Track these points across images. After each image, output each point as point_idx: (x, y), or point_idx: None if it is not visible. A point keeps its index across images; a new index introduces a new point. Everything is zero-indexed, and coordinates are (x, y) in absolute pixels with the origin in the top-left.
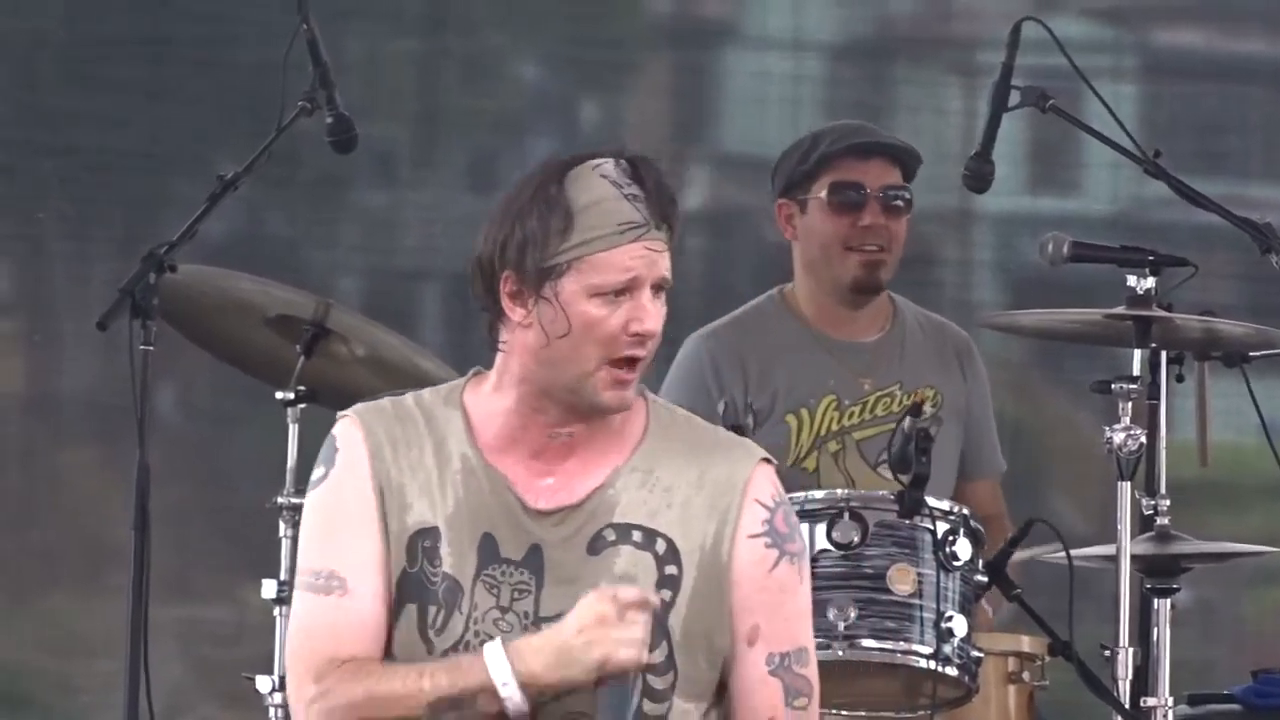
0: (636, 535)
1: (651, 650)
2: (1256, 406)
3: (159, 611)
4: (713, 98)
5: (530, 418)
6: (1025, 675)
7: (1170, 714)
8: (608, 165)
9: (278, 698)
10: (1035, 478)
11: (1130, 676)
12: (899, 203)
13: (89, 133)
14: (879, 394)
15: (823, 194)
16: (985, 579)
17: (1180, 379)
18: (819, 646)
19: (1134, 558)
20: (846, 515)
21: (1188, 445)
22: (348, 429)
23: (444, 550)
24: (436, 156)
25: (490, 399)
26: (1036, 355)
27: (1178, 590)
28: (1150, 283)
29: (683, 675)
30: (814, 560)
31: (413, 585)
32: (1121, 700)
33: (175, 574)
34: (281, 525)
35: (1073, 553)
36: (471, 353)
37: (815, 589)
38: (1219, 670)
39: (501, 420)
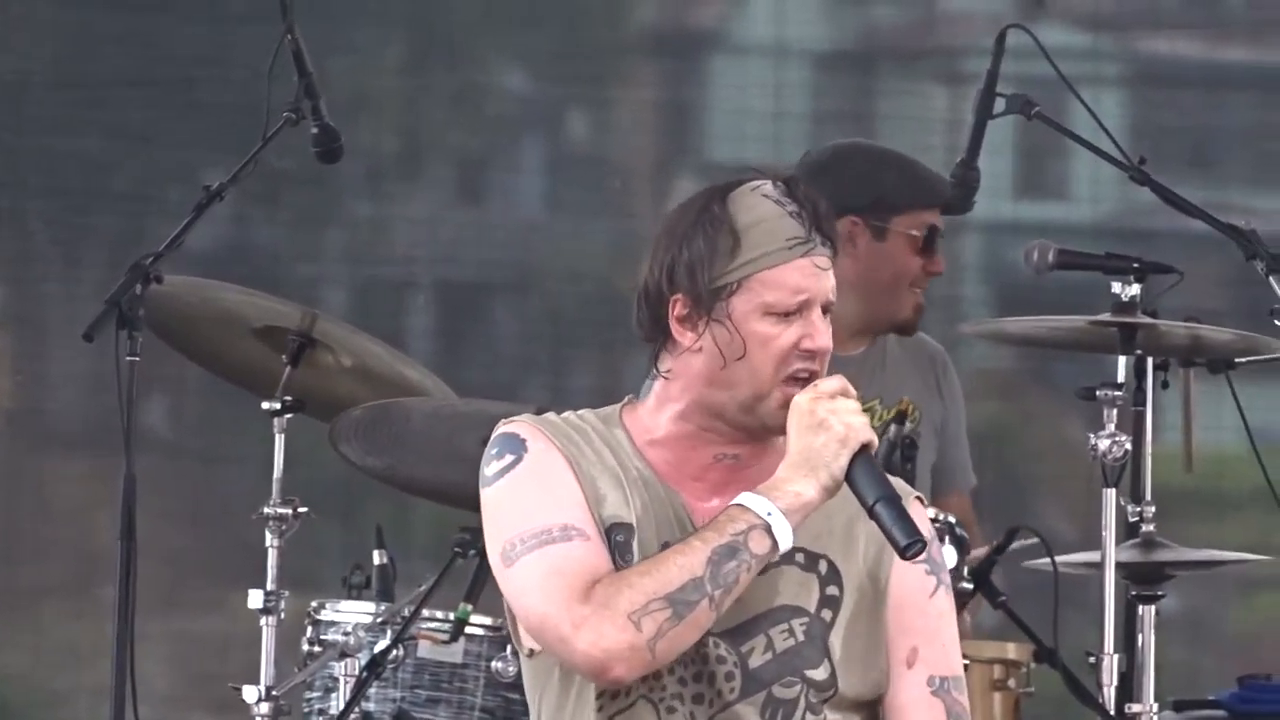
0: (800, 557)
1: (814, 666)
2: (1241, 413)
3: (146, 622)
4: (699, 107)
5: (697, 441)
6: (1010, 682)
7: None
8: (766, 185)
9: (264, 708)
10: (1020, 484)
11: (1115, 683)
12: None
13: (78, 147)
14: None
15: (912, 230)
16: (970, 586)
17: (1165, 385)
18: None
19: (1119, 564)
20: None
21: (1173, 452)
22: (525, 428)
23: (635, 548)
24: (423, 167)
25: (651, 423)
26: (1022, 362)
27: (1163, 597)
28: (1135, 289)
29: (843, 693)
30: None
31: None
32: (1107, 707)
33: (163, 585)
34: (268, 535)
35: (1058, 559)
36: (457, 362)
37: None
38: (1204, 677)
39: (666, 444)
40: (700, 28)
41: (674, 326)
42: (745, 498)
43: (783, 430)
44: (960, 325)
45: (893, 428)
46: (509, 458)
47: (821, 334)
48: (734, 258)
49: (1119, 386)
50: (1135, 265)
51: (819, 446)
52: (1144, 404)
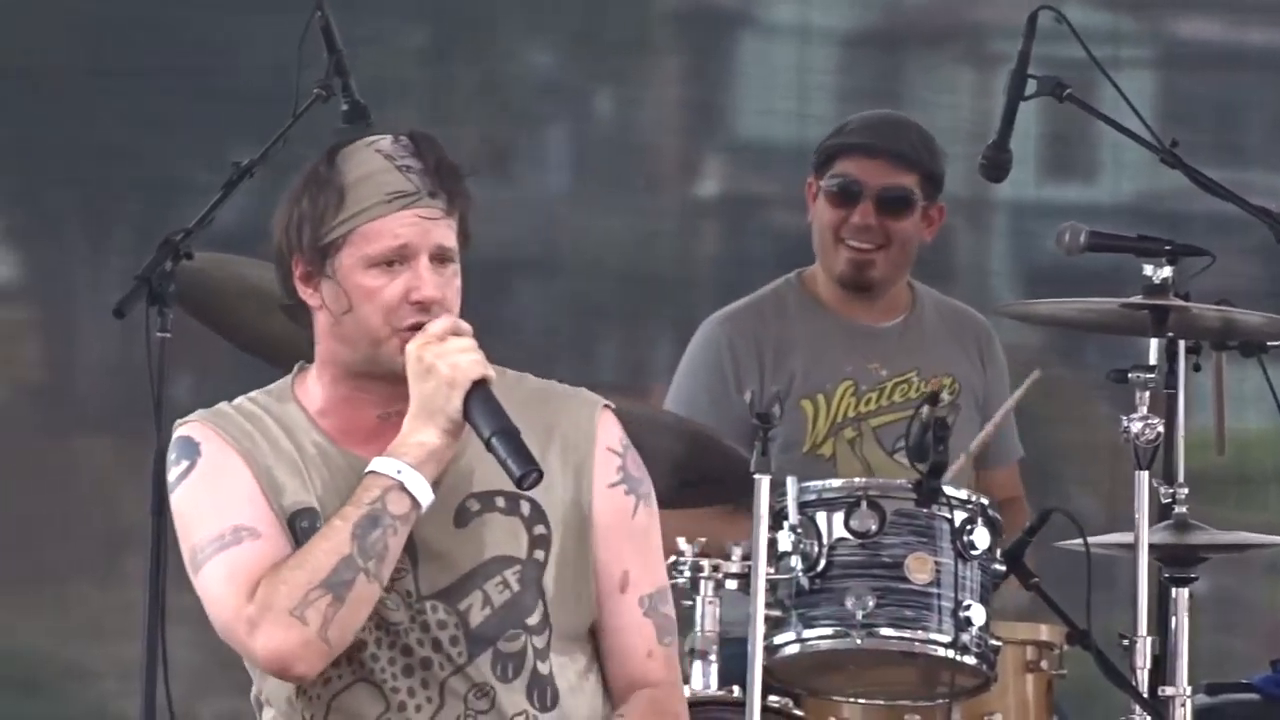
0: (500, 501)
1: (531, 612)
2: (1274, 395)
3: (176, 597)
4: (725, 86)
5: (356, 403)
6: (1043, 664)
7: (1188, 703)
8: (384, 141)
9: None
10: (1052, 467)
11: (1148, 666)
12: (899, 203)
13: (105, 133)
14: (896, 380)
15: (827, 182)
16: (1003, 568)
17: (1197, 368)
18: (837, 635)
19: (1152, 547)
20: (864, 504)
21: (1205, 434)
22: (197, 429)
23: None
24: (449, 145)
25: (316, 390)
26: (1053, 344)
27: (1196, 579)
28: (1167, 272)
29: (557, 630)
30: (831, 549)
31: None
32: (1140, 689)
33: None
34: None
35: (1090, 541)
36: (483, 342)
37: (833, 577)
38: (1237, 659)
39: (332, 410)
40: (726, 7)
41: (298, 286)
42: (375, 462)
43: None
44: (990, 307)
45: (925, 408)
46: (184, 463)
47: (429, 284)
48: (339, 213)
49: (1151, 369)
50: (1167, 247)
51: (431, 392)
52: (1176, 386)
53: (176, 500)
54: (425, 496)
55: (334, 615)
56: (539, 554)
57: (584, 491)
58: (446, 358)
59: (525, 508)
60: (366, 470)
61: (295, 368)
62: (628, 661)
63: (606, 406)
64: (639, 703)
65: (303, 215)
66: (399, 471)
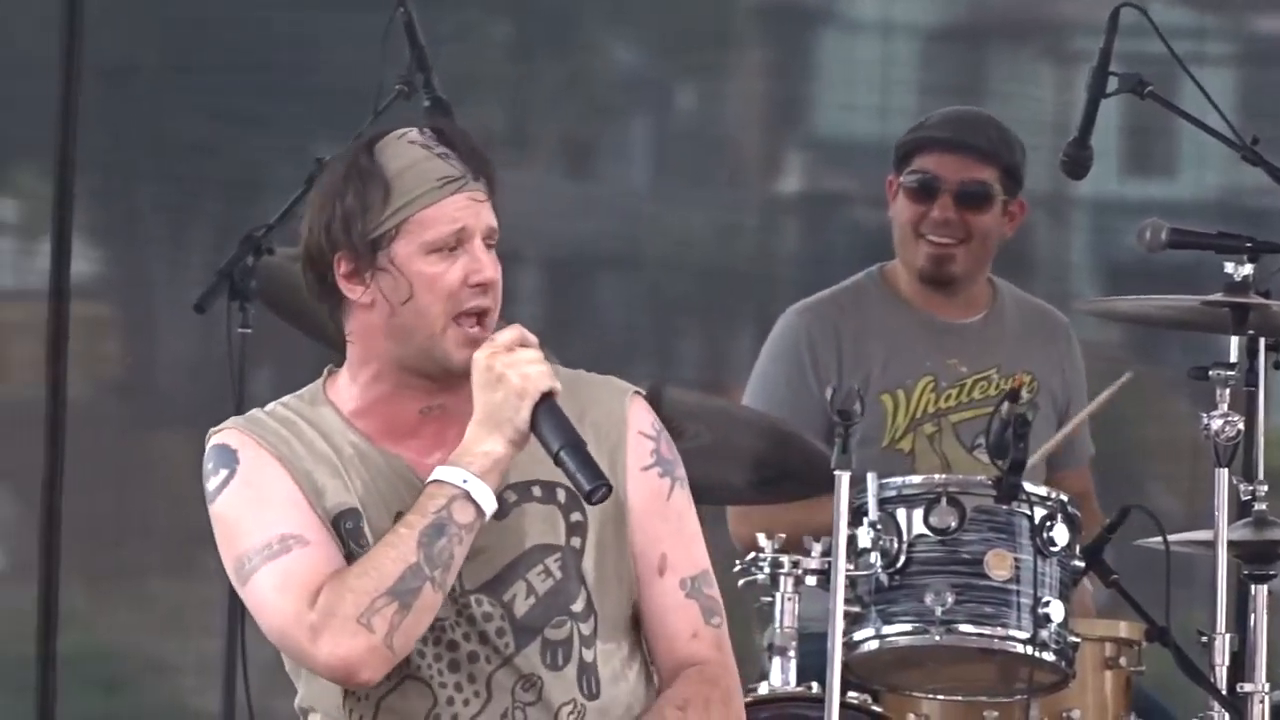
0: (536, 490)
1: (575, 599)
2: None
3: None
4: (808, 82)
5: (399, 398)
6: (1122, 661)
7: (1266, 700)
8: (413, 133)
9: None
10: (1132, 464)
11: (1227, 662)
12: (978, 198)
13: (186, 130)
14: (976, 377)
15: (906, 178)
16: (1082, 564)
17: (1278, 365)
18: (916, 631)
19: (1231, 544)
20: (944, 500)
21: None
22: (233, 436)
23: (367, 530)
24: (531, 141)
25: (352, 391)
26: (1134, 341)
27: (1275, 576)
28: (1248, 269)
29: (601, 617)
30: (910, 545)
31: None
32: (1218, 686)
33: None
34: None
35: (1170, 539)
36: (565, 337)
37: (912, 574)
38: None
39: (372, 410)
40: (809, 3)
41: (342, 285)
42: (440, 471)
43: (467, 373)
44: (1069, 303)
45: (1005, 405)
46: (223, 473)
47: (487, 265)
48: (387, 205)
49: (1231, 366)
50: (1248, 244)
51: (500, 402)
52: (1256, 384)
53: (217, 510)
54: (490, 505)
55: (399, 623)
56: (575, 541)
57: (618, 476)
58: (517, 368)
59: (561, 495)
60: (430, 479)
61: (325, 371)
62: (674, 643)
63: (637, 393)
64: (689, 675)
65: (347, 211)
66: (465, 481)
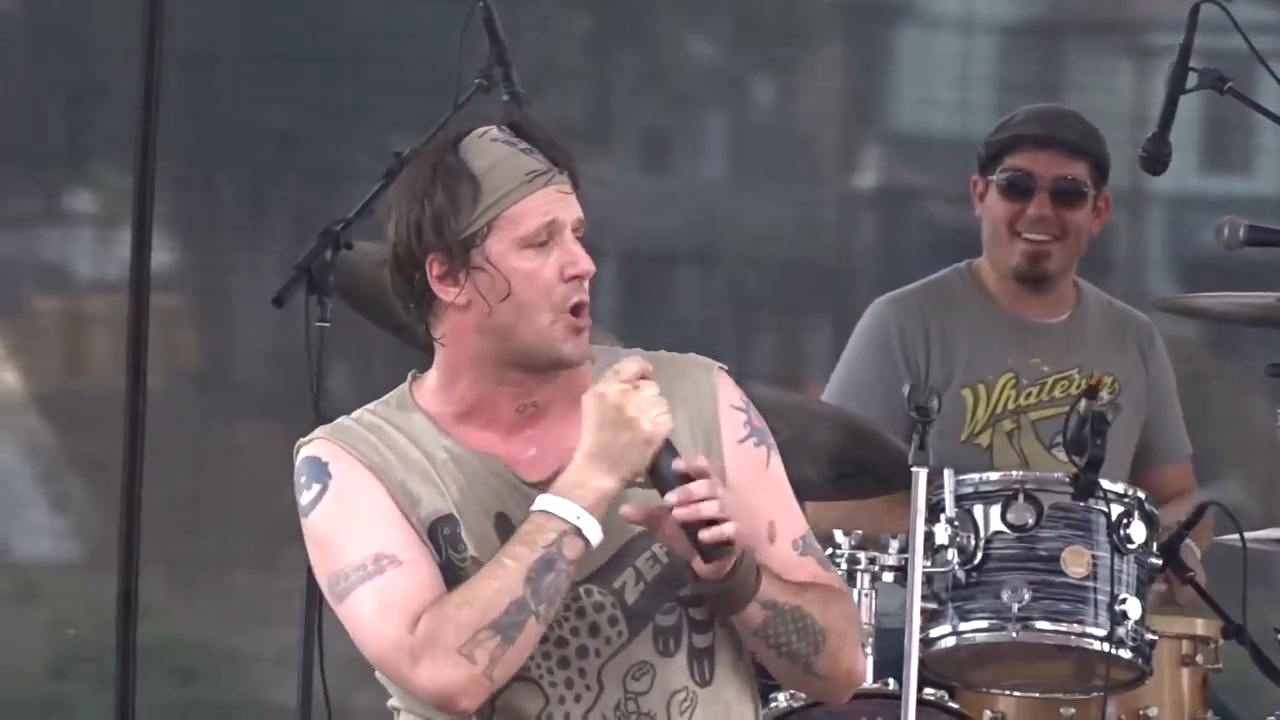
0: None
1: (683, 584)
2: None
3: None
4: (885, 77)
5: (495, 400)
6: (1199, 658)
7: None
8: (494, 130)
9: None
10: (1208, 461)
11: None
12: (1073, 194)
13: (266, 121)
14: (1057, 376)
15: (999, 177)
16: (1159, 562)
17: None
18: (993, 628)
19: None
20: (1021, 497)
21: None
22: (324, 448)
23: (464, 536)
24: (609, 138)
25: (442, 394)
26: (1211, 338)
27: None
28: None
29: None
30: (988, 542)
31: (446, 576)
32: None
33: None
34: None
35: (1247, 536)
36: (642, 331)
37: (989, 570)
38: None
39: (468, 414)
40: None
41: (435, 286)
42: (549, 502)
43: (575, 363)
44: (1147, 300)
45: (1083, 402)
46: (316, 487)
47: (582, 257)
48: (478, 203)
49: None
50: None
51: (623, 444)
52: None
53: (311, 526)
54: (597, 539)
55: (501, 655)
56: None
57: (715, 451)
58: (646, 413)
59: None
60: (537, 507)
61: (409, 376)
62: None
63: (721, 368)
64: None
65: (438, 211)
66: (578, 517)
